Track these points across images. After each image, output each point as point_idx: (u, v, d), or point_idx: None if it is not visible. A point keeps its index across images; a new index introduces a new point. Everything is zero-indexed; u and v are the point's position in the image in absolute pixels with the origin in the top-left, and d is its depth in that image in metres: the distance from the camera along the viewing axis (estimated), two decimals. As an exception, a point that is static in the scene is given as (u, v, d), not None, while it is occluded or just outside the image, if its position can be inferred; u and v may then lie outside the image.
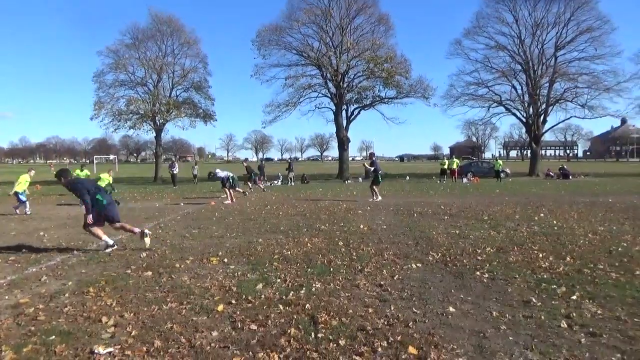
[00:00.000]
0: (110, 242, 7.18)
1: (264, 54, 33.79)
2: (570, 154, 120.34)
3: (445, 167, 28.47)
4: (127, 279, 5.35)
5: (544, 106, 36.19)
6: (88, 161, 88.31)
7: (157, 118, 34.52)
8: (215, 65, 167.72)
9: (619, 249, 6.58)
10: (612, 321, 3.71)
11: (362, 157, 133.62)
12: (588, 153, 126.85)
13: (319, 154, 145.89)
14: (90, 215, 6.98)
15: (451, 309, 4.13)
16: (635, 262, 5.75)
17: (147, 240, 7.20)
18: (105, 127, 42.15)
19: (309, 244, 7.37)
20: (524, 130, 42.77)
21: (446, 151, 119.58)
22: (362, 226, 9.26)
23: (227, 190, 15.54)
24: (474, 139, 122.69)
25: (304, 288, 4.82)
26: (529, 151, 46.14)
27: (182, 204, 14.97)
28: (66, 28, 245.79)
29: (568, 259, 5.99)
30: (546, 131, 38.88)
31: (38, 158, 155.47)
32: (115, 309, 4.23)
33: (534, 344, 3.28)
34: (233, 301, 4.42)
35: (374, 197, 15.37)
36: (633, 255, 6.13)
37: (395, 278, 5.24)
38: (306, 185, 27.12)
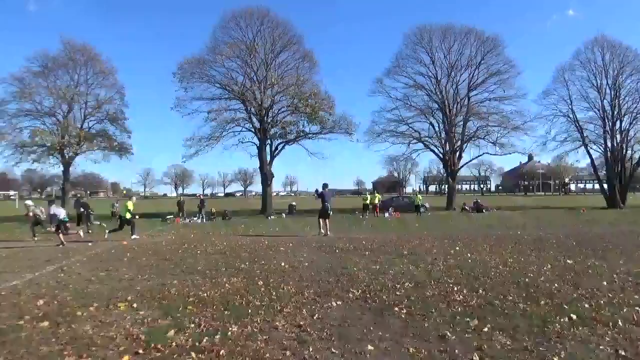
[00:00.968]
0: None
1: (186, 87, 33.10)
2: (484, 188, 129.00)
3: (368, 202, 29.20)
4: (19, 330, 4.77)
5: (459, 143, 38.89)
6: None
7: (65, 151, 32.27)
8: (133, 97, 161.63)
9: (526, 280, 7.03)
10: (520, 352, 3.89)
11: (285, 192, 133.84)
12: (500, 187, 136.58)
13: (242, 189, 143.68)
14: None
15: (369, 347, 4.13)
16: (540, 292, 6.16)
17: None
18: (5, 160, 38.47)
19: (227, 285, 7.07)
20: (441, 165, 45.56)
21: (369, 186, 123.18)
22: (283, 264, 9.11)
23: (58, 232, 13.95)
24: (396, 174, 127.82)
25: (219, 333, 4.58)
26: (446, 186, 49.04)
27: (90, 244, 13.85)
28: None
29: (480, 291, 6.28)
30: (462, 167, 41.66)
31: None
32: (-1, 369, 3.72)
33: (448, 380, 3.33)
34: (140, 351, 4.10)
35: (320, 231, 15.05)
36: (539, 286, 6.57)
37: (315, 317, 5.16)
38: (228, 221, 26.44)
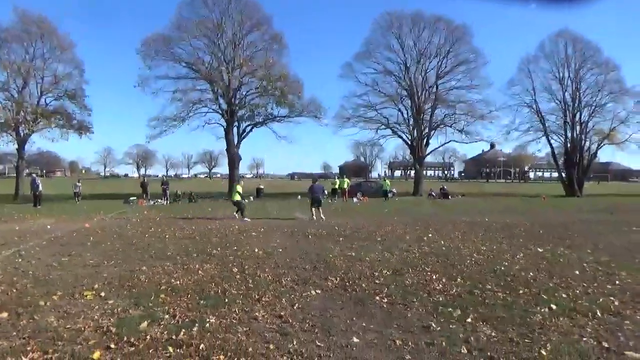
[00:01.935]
0: None
1: (150, 65, 31.91)
2: (448, 175, 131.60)
3: (337, 186, 29.18)
4: (-27, 324, 4.39)
5: (427, 130, 39.30)
6: None
7: (20, 128, 30.58)
8: (94, 73, 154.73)
9: (502, 268, 7.09)
10: (506, 343, 3.85)
11: (252, 175, 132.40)
12: (463, 174, 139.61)
13: (207, 171, 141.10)
14: None
15: (355, 339, 4.00)
16: (518, 281, 6.21)
17: None
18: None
19: (200, 272, 6.81)
20: (408, 151, 46.10)
21: (336, 170, 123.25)
22: (257, 250, 8.89)
23: None
24: (362, 158, 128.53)
25: (196, 324, 4.34)
26: (412, 171, 49.71)
27: (49, 227, 13.15)
28: None
29: (459, 280, 6.27)
30: (429, 153, 42.35)
31: None
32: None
33: (441, 374, 3.24)
34: (112, 345, 3.82)
35: (312, 217, 15.43)
36: (515, 274, 6.62)
37: (295, 307, 4.99)
38: (194, 204, 25.85)
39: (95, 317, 4.60)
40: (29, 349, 3.72)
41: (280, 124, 35.75)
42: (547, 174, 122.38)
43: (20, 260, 7.81)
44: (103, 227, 13.12)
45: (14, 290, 5.65)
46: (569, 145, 39.31)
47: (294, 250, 8.89)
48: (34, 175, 27.04)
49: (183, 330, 4.17)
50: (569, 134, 39.33)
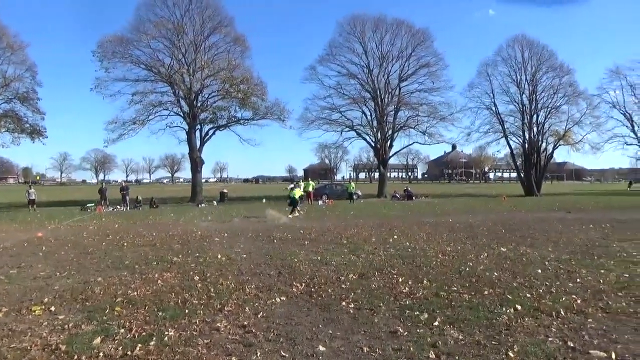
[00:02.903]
0: None
1: (107, 67, 30.71)
2: (411, 176, 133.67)
3: (302, 189, 28.99)
4: None
5: (390, 132, 39.77)
6: None
7: (-35, 132, 28.93)
8: (48, 75, 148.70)
9: (467, 269, 7.14)
10: (474, 347, 3.83)
11: (216, 179, 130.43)
12: (425, 175, 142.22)
13: (169, 175, 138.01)
14: None
15: (321, 347, 3.89)
16: (482, 281, 6.25)
17: None
18: None
19: (159, 281, 6.53)
20: (372, 153, 46.45)
21: (300, 173, 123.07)
22: (219, 256, 8.64)
23: None
24: (327, 161, 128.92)
25: (154, 338, 4.12)
26: (376, 173, 50.13)
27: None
28: None
29: (425, 282, 6.26)
30: (392, 155, 42.99)
31: None
32: None
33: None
34: (60, 365, 3.54)
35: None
36: (479, 275, 6.68)
37: (259, 316, 4.83)
38: (155, 210, 25.12)
39: (44, 334, 4.30)
40: (-34, 373, 3.41)
41: (244, 127, 35.30)
42: (506, 174, 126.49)
43: (-38, 274, 7.28)
44: (57, 236, 12.47)
45: (-47, 308, 5.23)
46: (526, 146, 40.60)
47: (258, 256, 8.70)
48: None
49: (139, 345, 3.94)
50: (527, 135, 40.64)
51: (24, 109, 31.60)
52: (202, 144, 34.12)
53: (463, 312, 4.82)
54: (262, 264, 7.84)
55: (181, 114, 33.12)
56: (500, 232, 12.04)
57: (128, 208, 25.73)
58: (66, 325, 4.54)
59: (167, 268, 7.53)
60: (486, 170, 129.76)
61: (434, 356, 3.63)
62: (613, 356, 3.60)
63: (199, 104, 32.92)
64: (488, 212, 20.48)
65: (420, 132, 39.81)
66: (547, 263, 7.59)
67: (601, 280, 6.24)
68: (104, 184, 35.25)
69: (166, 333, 4.26)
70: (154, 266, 7.71)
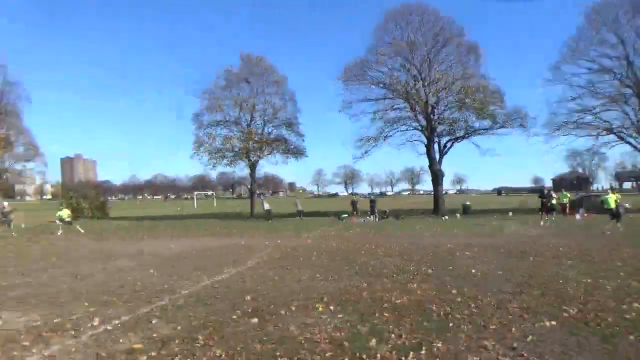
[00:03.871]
0: None
1: (351, 89, 34.15)
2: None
3: (554, 201, 25.87)
4: (234, 325, 5.18)
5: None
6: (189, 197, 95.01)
7: (250, 155, 36.04)
8: (302, 102, 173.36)
9: None
10: None
11: (455, 191, 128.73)
12: None
13: (409, 187, 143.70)
14: None
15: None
16: None
17: None
18: (204, 165, 44.24)
19: (418, 291, 6.77)
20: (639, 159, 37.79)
21: (548, 183, 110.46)
22: (473, 270, 8.43)
23: None
24: (580, 169, 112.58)
25: (423, 348, 4.26)
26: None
27: (266, 242, 14.86)
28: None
29: None
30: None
31: (146, 194, 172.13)
32: (224, 362, 4.02)
33: None
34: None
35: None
36: None
37: (528, 340, 4.47)
38: (402, 221, 26.04)
39: (329, 329, 4.94)
40: (277, 354, 4.19)
41: (483, 137, 33.97)
42: None
43: (260, 271, 9.02)
44: (315, 243, 14.26)
45: (260, 299, 6.52)
46: None
47: (515, 274, 8.09)
48: (261, 195, 31.59)
49: (412, 352, 4.13)
50: None
51: (288, 133, 37.76)
52: (442, 156, 34.21)
53: None
54: (522, 283, 7.27)
55: (419, 128, 33.98)
56: None
57: (377, 219, 27.53)
58: (345, 324, 5.11)
59: (424, 279, 7.75)
60: None
61: None
62: None
63: (435, 117, 33.17)
64: None
65: None
66: None
67: None
68: (355, 196, 38.91)
69: (434, 344, 4.36)
70: (410, 277, 8.03)
